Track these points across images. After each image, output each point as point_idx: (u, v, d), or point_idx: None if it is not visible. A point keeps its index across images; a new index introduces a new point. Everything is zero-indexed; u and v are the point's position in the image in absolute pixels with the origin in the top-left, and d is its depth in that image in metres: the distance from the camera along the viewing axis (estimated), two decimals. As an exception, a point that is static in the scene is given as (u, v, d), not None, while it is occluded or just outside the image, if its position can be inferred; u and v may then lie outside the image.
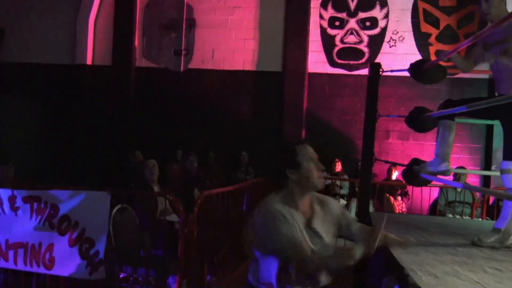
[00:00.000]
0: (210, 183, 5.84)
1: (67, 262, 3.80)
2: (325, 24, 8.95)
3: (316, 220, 2.18)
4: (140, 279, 4.15)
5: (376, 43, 8.81)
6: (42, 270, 3.85)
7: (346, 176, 8.00)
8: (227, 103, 9.00)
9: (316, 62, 8.96)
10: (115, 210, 4.15)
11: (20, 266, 3.85)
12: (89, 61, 9.54)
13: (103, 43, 9.54)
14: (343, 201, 7.56)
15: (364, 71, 8.18)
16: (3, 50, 9.65)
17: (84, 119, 9.24)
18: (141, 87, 9.36)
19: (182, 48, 9.31)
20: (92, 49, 9.58)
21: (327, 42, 8.96)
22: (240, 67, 9.12)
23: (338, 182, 7.74)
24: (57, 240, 3.82)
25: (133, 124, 9.16)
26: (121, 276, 4.22)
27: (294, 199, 2.17)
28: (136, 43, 9.49)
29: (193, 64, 9.32)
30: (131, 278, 4.17)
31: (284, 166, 2.19)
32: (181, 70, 9.31)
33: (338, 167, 8.12)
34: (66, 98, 9.34)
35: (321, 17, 8.96)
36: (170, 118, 9.09)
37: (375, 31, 8.82)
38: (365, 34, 8.84)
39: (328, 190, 7.52)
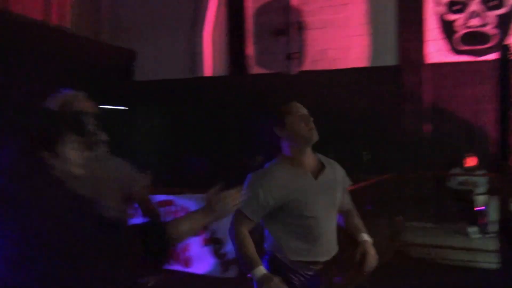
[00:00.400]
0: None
1: (201, 261, 4.10)
2: (443, 9, 8.37)
3: (325, 174, 2.27)
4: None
5: (505, 23, 7.99)
6: (180, 268, 4.19)
7: (482, 172, 7.06)
8: (342, 102, 8.87)
9: (436, 51, 8.41)
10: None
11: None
12: (208, 73, 10.17)
13: (218, 54, 10.10)
14: (482, 198, 6.92)
15: (494, 56, 7.47)
16: (136, 70, 10.73)
17: (209, 127, 9.84)
18: (256, 93, 9.69)
19: (293, 51, 9.43)
20: (211, 60, 10.19)
21: (447, 28, 8.37)
22: (353, 65, 8.95)
23: (472, 178, 7.04)
24: (192, 241, 4.13)
25: (251, 128, 9.52)
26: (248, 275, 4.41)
27: (295, 157, 2.25)
28: (249, 50, 9.86)
29: (305, 66, 9.39)
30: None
31: (271, 127, 2.27)
32: (294, 73, 9.43)
33: (472, 161, 7.27)
34: (191, 109, 10.05)
35: (437, 3, 8.40)
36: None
37: (503, 10, 8.01)
38: (491, 15, 8.07)
39: (463, 191, 6.99)
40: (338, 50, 9.09)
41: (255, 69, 9.86)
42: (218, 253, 4.11)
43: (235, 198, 1.76)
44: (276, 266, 2.19)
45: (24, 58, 7.95)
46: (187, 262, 4.13)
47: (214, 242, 4.13)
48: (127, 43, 10.63)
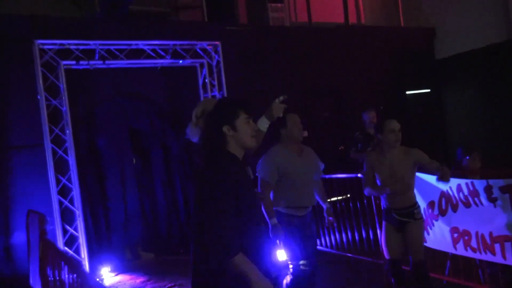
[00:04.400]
0: None
1: None
2: None
3: (304, 154, 3.95)
4: None
5: None
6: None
7: None
8: None
9: None
10: None
11: (510, 260, 3.72)
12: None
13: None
14: None
15: None
16: (436, 48, 10.21)
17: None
18: None
19: None
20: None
21: None
22: None
23: None
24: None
25: None
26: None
27: (288, 144, 3.90)
28: None
29: None
30: None
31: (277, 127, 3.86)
32: None
33: None
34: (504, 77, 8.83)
35: None
36: None
37: None
38: None
39: None
40: None
41: None
42: None
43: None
44: (280, 215, 3.76)
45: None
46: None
47: None
48: (425, 22, 10.24)
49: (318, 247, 6.39)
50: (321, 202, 4.08)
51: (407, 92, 9.82)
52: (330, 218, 3.99)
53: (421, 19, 10.26)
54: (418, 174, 4.35)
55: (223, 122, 2.20)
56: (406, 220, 3.86)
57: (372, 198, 4.96)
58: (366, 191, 4.06)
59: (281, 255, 4.98)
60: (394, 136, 3.83)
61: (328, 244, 6.21)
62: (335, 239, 6.07)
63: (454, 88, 9.83)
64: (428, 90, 10.10)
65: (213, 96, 7.03)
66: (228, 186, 2.06)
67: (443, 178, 3.65)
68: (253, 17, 8.70)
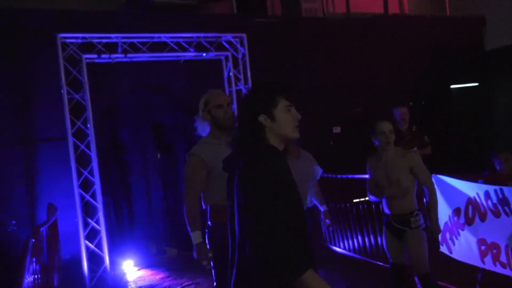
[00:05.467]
0: None
1: None
2: None
3: (301, 157, 3.78)
4: None
5: None
6: None
7: None
8: None
9: None
10: None
11: None
12: None
13: None
14: None
15: None
16: (485, 38, 9.47)
17: None
18: None
19: None
20: None
21: None
22: None
23: None
24: None
25: None
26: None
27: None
28: None
29: None
30: None
31: None
32: None
33: None
34: None
35: None
36: None
37: None
38: None
39: None
40: None
41: None
42: None
43: None
44: None
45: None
46: None
47: None
48: (473, 10, 9.50)
49: (340, 250, 6.08)
50: (318, 205, 3.99)
51: (452, 86, 9.17)
52: (327, 220, 3.89)
53: (469, 8, 9.53)
54: (443, 177, 3.96)
55: (259, 111, 1.86)
56: (402, 228, 3.55)
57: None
58: (370, 197, 3.80)
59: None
60: (384, 138, 3.58)
61: (351, 247, 5.88)
62: (358, 242, 5.73)
63: (505, 82, 9.07)
64: (476, 84, 9.38)
65: (238, 90, 6.84)
66: (283, 188, 1.73)
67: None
68: (285, 8, 8.39)
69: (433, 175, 3.77)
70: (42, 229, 3.38)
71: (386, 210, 3.68)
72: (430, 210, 3.53)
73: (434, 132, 6.86)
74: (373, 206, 5.27)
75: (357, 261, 5.72)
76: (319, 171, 3.87)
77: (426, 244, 3.51)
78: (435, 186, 3.58)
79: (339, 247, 6.10)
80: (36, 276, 3.09)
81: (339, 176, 5.90)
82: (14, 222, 6.03)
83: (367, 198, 5.36)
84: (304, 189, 3.59)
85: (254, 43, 6.89)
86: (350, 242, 5.87)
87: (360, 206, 5.55)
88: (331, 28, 8.13)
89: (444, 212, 3.97)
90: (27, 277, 2.67)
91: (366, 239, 5.60)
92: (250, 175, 1.76)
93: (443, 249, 4.21)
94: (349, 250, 5.93)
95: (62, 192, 6.23)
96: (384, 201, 3.68)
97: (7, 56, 6.18)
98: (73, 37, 5.84)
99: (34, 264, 2.85)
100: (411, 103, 7.79)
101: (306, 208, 3.80)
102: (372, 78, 8.29)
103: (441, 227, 3.83)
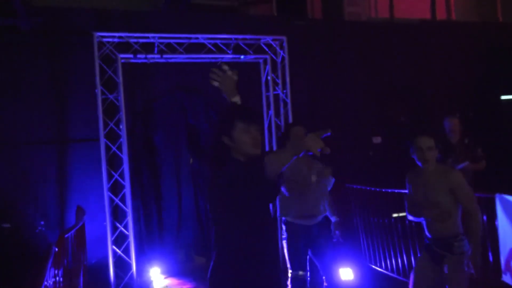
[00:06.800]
0: None
1: None
2: None
3: (313, 168, 4.01)
4: None
5: None
6: None
7: None
8: None
9: None
10: None
11: None
12: None
13: None
14: None
15: None
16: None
17: None
18: None
19: None
20: None
21: None
22: None
23: None
24: None
25: None
26: None
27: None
28: None
29: None
30: None
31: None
32: None
33: None
34: None
35: None
36: None
37: None
38: None
39: None
40: None
41: None
42: None
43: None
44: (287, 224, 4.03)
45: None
46: None
47: None
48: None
49: (381, 270, 5.66)
50: (329, 216, 4.15)
51: (502, 97, 8.60)
52: (337, 231, 4.04)
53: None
54: (509, 197, 3.52)
55: (222, 133, 2.31)
56: (442, 252, 3.13)
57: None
58: (408, 216, 3.41)
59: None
60: (421, 155, 3.18)
61: (394, 267, 5.45)
62: (402, 262, 5.30)
63: None
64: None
65: (276, 95, 6.56)
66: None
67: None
68: (327, 12, 8.08)
69: (497, 194, 3.35)
70: (67, 235, 3.16)
71: (427, 233, 3.29)
72: (471, 237, 3.09)
73: (485, 145, 6.37)
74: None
75: (399, 282, 5.30)
76: (331, 181, 4.04)
77: (467, 275, 3.09)
78: (499, 207, 3.16)
79: (381, 267, 5.69)
80: (58, 280, 2.90)
81: (383, 190, 5.51)
82: (43, 222, 5.92)
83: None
84: (311, 192, 3.94)
85: (294, 46, 6.59)
86: (394, 261, 5.44)
87: (407, 222, 5.13)
88: (375, 33, 7.75)
89: (509, 237, 3.53)
90: (46, 283, 2.47)
91: (412, 259, 5.16)
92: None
93: (506, 278, 3.76)
94: (392, 271, 5.50)
95: (92, 194, 6.10)
96: (424, 222, 3.29)
97: (44, 54, 6.13)
98: (110, 36, 5.70)
99: (54, 269, 2.64)
100: (458, 114, 7.32)
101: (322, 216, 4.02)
102: (417, 86, 7.85)
103: (506, 253, 3.40)
